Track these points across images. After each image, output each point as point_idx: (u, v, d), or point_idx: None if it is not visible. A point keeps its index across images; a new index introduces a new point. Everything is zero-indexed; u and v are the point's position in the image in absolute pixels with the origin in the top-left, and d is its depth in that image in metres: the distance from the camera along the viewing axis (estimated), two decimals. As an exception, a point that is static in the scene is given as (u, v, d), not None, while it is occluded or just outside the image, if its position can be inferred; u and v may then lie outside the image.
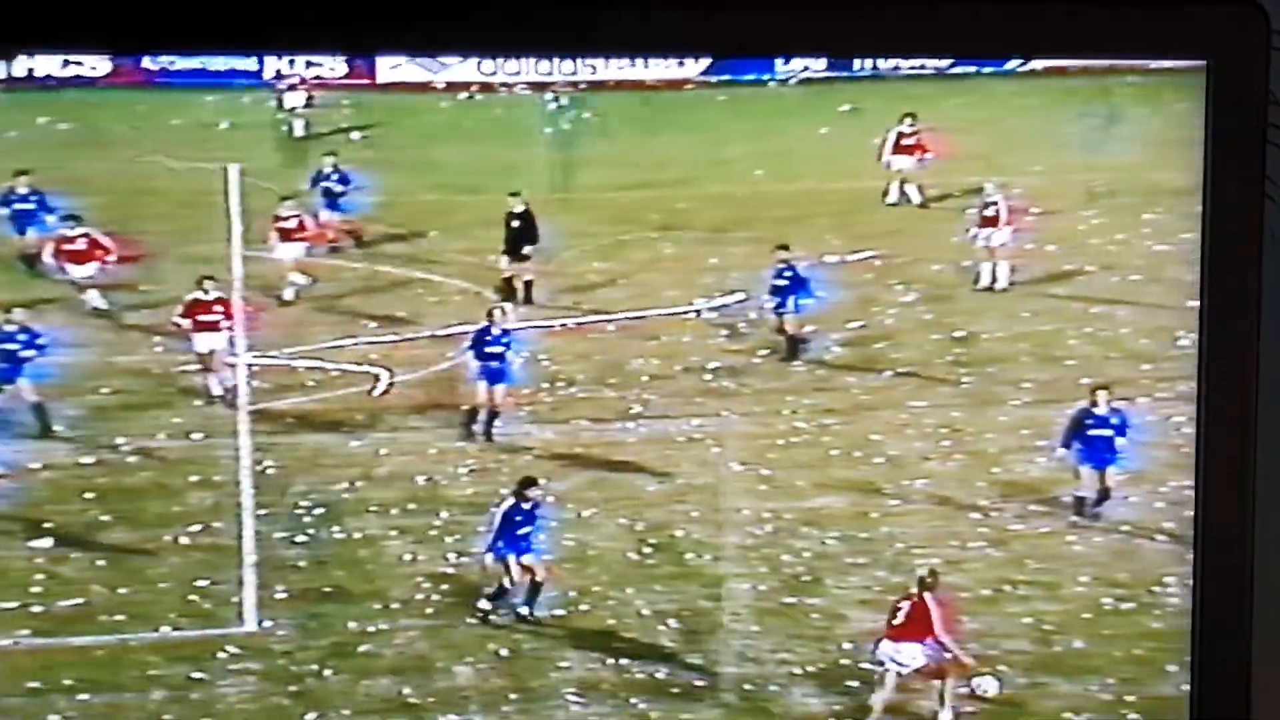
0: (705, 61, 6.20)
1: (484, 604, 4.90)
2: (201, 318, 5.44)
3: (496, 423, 5.37)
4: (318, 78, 5.40)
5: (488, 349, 5.37)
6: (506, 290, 5.72)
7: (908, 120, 6.04)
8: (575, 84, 5.86)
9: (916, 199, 6.16)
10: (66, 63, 4.95)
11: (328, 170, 5.79)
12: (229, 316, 5.37)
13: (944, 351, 5.60)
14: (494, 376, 5.37)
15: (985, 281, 5.89)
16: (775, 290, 5.67)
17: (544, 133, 5.92)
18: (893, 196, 6.16)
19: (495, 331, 5.37)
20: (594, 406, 5.46)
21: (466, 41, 4.05)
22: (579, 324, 5.83)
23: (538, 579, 4.92)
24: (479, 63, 5.74)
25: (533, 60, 5.76)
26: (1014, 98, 6.15)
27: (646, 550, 4.99)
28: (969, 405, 5.36)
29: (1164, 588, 4.61)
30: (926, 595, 4.53)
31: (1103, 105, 6.38)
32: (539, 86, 5.90)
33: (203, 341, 5.52)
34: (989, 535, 4.91)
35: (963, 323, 5.73)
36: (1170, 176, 6.37)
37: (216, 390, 5.41)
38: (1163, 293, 5.75)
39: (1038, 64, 6.28)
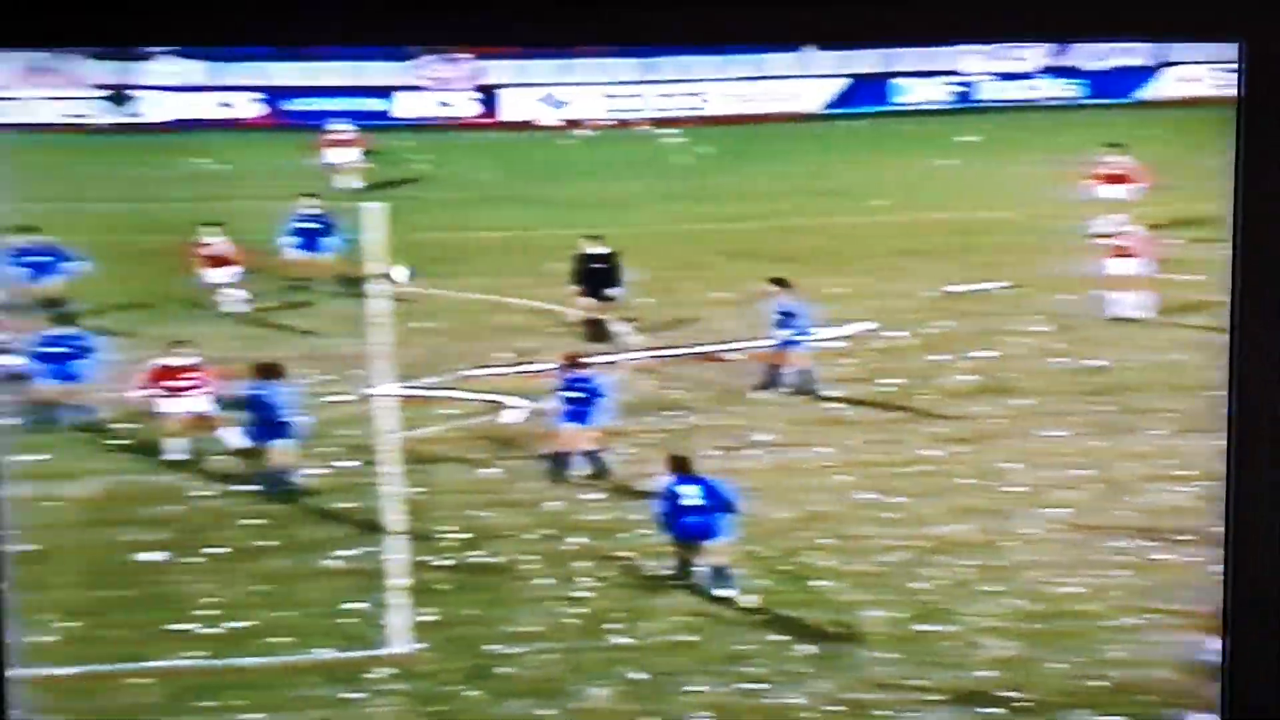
0: (826, 95, 6.25)
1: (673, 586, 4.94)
2: (170, 384, 5.46)
3: (605, 456, 5.46)
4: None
5: (573, 392, 5.54)
6: (594, 332, 5.85)
7: (1110, 150, 6.00)
8: (694, 119, 5.96)
9: (1123, 229, 6.11)
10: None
11: (306, 213, 5.83)
12: (201, 382, 5.46)
13: (1072, 381, 5.54)
14: (579, 417, 5.52)
15: (1117, 311, 5.82)
16: (774, 325, 5.69)
17: (661, 167, 6.03)
18: (1106, 227, 6.14)
19: (580, 374, 5.55)
20: (714, 435, 5.56)
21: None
22: (697, 354, 5.91)
23: (721, 562, 5.04)
24: (601, 98, 5.87)
25: (653, 96, 5.89)
26: (1137, 128, 6.07)
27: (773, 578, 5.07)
28: (1099, 434, 5.30)
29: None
30: None
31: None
32: (659, 122, 6.00)
33: (173, 405, 5.52)
34: (1129, 563, 4.85)
35: (1091, 352, 5.68)
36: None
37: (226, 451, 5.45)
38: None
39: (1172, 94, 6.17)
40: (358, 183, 5.99)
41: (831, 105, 6.33)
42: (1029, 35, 4.27)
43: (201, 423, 5.43)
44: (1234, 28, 3.67)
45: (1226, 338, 4.89)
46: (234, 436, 5.45)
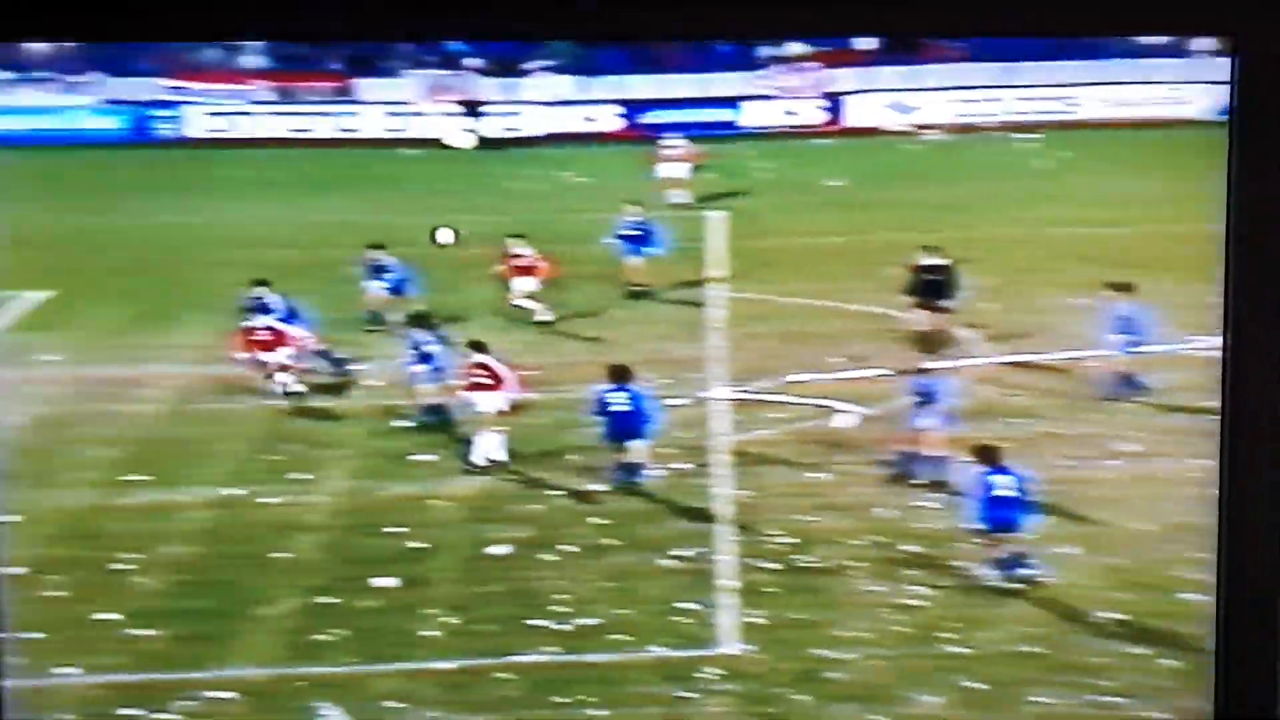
0: (1220, 102, 5.80)
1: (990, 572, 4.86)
2: (477, 379, 5.71)
3: (946, 463, 5.33)
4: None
5: (913, 398, 5.46)
6: (930, 340, 5.76)
7: None
8: (1057, 123, 5.70)
9: None
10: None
11: (633, 220, 6.09)
12: (496, 380, 5.66)
13: None
14: (919, 424, 5.42)
15: None
16: (1112, 331, 5.53)
17: (1016, 172, 5.78)
18: None
19: (921, 380, 5.47)
20: (1066, 444, 5.26)
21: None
22: (1041, 361, 5.59)
23: (1019, 551, 4.89)
24: (951, 103, 5.77)
25: (1007, 100, 5.71)
26: None
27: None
28: None
29: None
30: None
31: None
32: (1015, 127, 5.79)
33: (483, 402, 5.72)
34: None
35: None
36: None
37: (494, 457, 5.59)
38: None
39: None
40: (690, 194, 6.24)
41: (1226, 112, 5.87)
42: (1025, 32, 3.99)
43: (501, 418, 5.68)
44: (1229, 27, 3.31)
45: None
46: (495, 445, 5.64)
